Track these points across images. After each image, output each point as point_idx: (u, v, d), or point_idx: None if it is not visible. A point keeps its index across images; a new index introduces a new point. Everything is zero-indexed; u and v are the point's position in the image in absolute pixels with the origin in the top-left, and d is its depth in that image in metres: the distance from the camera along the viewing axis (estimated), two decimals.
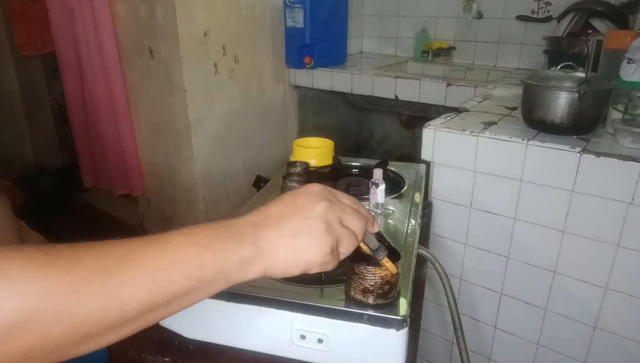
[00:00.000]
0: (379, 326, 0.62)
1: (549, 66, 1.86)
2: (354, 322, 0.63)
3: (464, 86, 1.75)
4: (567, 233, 1.04)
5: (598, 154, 0.95)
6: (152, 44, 1.84)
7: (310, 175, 1.08)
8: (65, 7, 2.00)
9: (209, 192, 1.95)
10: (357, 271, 0.63)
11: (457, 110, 1.31)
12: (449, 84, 1.78)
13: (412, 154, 2.44)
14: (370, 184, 0.95)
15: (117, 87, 1.99)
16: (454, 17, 2.27)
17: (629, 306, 1.01)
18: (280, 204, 0.46)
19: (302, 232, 0.44)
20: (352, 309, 0.64)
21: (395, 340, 0.62)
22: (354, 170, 1.23)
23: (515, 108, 1.30)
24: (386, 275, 0.62)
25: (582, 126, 1.04)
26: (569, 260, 1.06)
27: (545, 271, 1.10)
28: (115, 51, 1.94)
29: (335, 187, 1.10)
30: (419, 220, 0.94)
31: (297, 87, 2.27)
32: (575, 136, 1.04)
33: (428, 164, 1.21)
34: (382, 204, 0.95)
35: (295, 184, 0.97)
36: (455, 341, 1.18)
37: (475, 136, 1.09)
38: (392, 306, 0.64)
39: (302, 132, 2.33)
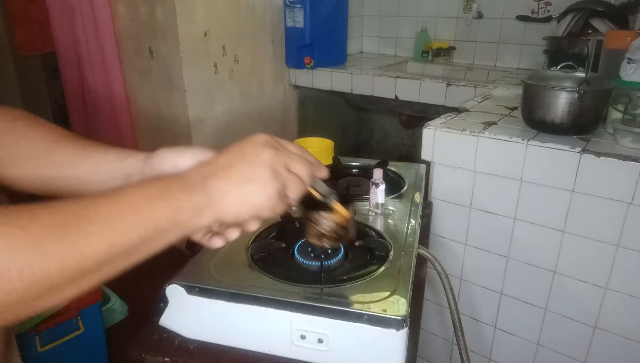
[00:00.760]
0: (379, 326, 0.62)
1: (549, 66, 1.86)
2: (354, 322, 0.63)
3: (464, 86, 1.75)
4: (567, 233, 1.04)
5: (598, 154, 0.95)
6: (152, 44, 1.84)
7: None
8: (65, 7, 2.00)
9: None
10: (311, 218, 0.66)
11: (457, 110, 1.31)
12: (449, 84, 1.78)
13: (412, 154, 2.44)
14: (370, 184, 0.95)
15: (117, 87, 1.99)
16: (454, 17, 2.27)
17: (629, 306, 1.01)
18: (227, 154, 0.48)
19: (248, 178, 0.46)
20: (352, 309, 0.64)
21: (395, 340, 0.62)
22: (354, 170, 1.23)
23: (515, 108, 1.30)
24: (339, 219, 0.64)
25: (582, 126, 1.04)
26: (569, 260, 1.06)
27: (545, 271, 1.10)
28: (115, 51, 1.94)
29: (335, 187, 1.10)
30: (419, 220, 0.94)
31: (297, 87, 2.27)
32: (575, 136, 1.04)
33: (428, 164, 1.21)
34: (382, 204, 0.95)
35: None
36: (455, 341, 1.18)
37: (475, 136, 1.09)
38: (392, 306, 0.64)
39: (302, 133, 2.33)
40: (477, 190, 1.14)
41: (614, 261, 1.00)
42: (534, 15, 2.04)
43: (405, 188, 1.08)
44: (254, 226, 0.51)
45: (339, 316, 0.64)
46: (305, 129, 2.35)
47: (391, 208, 0.97)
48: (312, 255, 0.78)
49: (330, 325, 0.64)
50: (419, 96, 1.86)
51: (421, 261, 1.09)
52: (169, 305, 0.70)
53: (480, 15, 2.19)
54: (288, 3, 2.02)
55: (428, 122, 1.18)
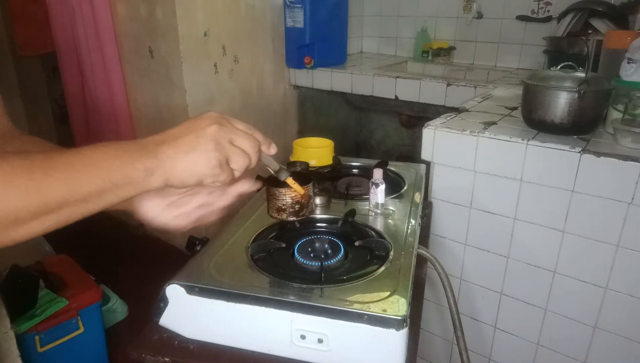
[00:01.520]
0: (379, 326, 0.62)
1: (549, 66, 1.86)
2: (354, 322, 0.63)
3: (464, 86, 1.75)
4: (567, 233, 1.04)
5: (598, 154, 0.95)
6: (152, 44, 1.84)
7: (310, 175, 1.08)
8: (66, 7, 2.00)
9: None
10: (271, 193, 0.72)
11: (457, 110, 1.31)
12: (449, 84, 1.78)
13: (412, 154, 2.44)
14: (370, 184, 0.95)
15: (117, 87, 1.99)
16: (454, 17, 2.27)
17: (629, 306, 1.01)
18: (181, 126, 0.54)
19: (194, 148, 0.52)
20: (352, 309, 0.64)
21: (395, 340, 0.62)
22: (354, 170, 1.23)
23: (515, 108, 1.30)
24: (295, 195, 0.70)
25: (582, 126, 1.04)
26: (569, 260, 1.06)
27: (545, 271, 1.10)
28: (115, 51, 1.94)
29: (335, 187, 1.10)
30: (419, 220, 0.94)
31: (297, 87, 2.27)
32: (575, 136, 1.04)
33: (428, 164, 1.21)
34: (382, 204, 0.95)
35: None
36: (455, 341, 1.18)
37: (475, 136, 1.09)
38: (392, 306, 0.64)
39: (302, 132, 2.33)
40: (477, 190, 1.14)
41: (614, 261, 1.00)
42: (534, 15, 2.04)
43: (405, 188, 1.08)
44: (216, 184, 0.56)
45: (339, 316, 0.64)
46: (305, 129, 2.35)
47: (391, 208, 0.97)
48: (312, 255, 0.78)
49: (330, 325, 0.64)
50: (419, 96, 1.86)
51: (421, 261, 1.09)
52: (169, 305, 0.70)
53: (480, 15, 2.19)
54: (288, 3, 2.02)
55: (428, 122, 1.18)
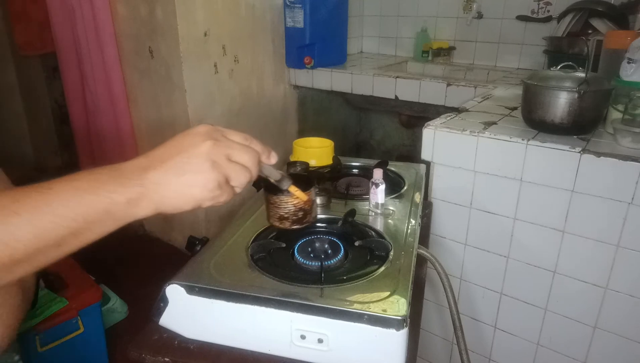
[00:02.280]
0: (379, 326, 0.62)
1: (549, 66, 1.86)
2: (354, 322, 0.63)
3: (464, 86, 1.75)
4: (567, 233, 1.04)
5: (598, 154, 0.95)
6: (152, 44, 1.84)
7: (310, 175, 1.08)
8: (66, 7, 2.00)
9: None
10: (272, 201, 0.68)
11: (457, 110, 1.31)
12: (449, 84, 1.77)
13: (412, 154, 2.44)
14: (370, 184, 0.95)
15: (117, 87, 1.99)
16: (454, 17, 2.27)
17: (629, 306, 1.01)
18: (167, 146, 0.48)
19: (186, 170, 0.46)
20: (352, 309, 0.64)
21: (395, 340, 0.62)
22: (354, 170, 1.23)
23: (515, 108, 1.30)
24: (298, 202, 0.67)
25: (582, 126, 1.04)
26: (569, 260, 1.06)
27: (545, 271, 1.10)
28: (115, 51, 1.94)
29: (335, 187, 1.10)
30: (419, 220, 0.94)
31: (297, 87, 2.27)
32: (575, 136, 1.04)
33: (428, 164, 1.21)
34: (382, 204, 0.95)
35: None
36: (455, 341, 1.18)
37: (475, 136, 1.09)
38: (392, 306, 0.64)
39: (302, 133, 2.33)
40: (477, 190, 1.14)
41: (614, 261, 1.00)
42: (534, 15, 2.04)
43: (405, 188, 1.08)
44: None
45: (339, 316, 0.64)
46: (305, 129, 2.35)
47: (391, 208, 0.97)
48: (312, 255, 0.78)
49: (330, 325, 0.64)
50: (419, 96, 1.86)
51: (421, 261, 1.09)
52: (169, 305, 0.70)
53: (480, 15, 2.19)
54: (288, 3, 2.02)
55: (428, 122, 1.18)
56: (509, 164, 1.06)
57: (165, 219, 2.15)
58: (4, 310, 0.51)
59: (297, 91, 2.29)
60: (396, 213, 0.95)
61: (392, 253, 0.78)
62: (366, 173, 1.17)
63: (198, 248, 0.81)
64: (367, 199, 0.97)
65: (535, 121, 1.08)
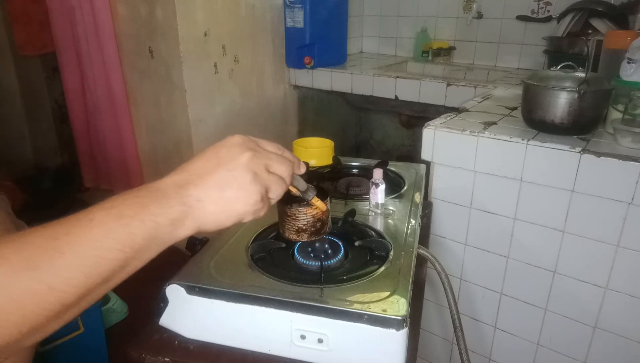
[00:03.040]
0: (379, 326, 0.62)
1: (549, 66, 1.86)
2: (354, 322, 0.63)
3: (464, 86, 1.75)
4: (567, 233, 1.04)
5: (598, 154, 0.95)
6: (152, 44, 1.84)
7: (311, 175, 1.08)
8: (65, 7, 2.00)
9: None
10: (289, 213, 0.64)
11: (457, 110, 1.31)
12: (449, 84, 1.77)
13: (412, 154, 2.44)
14: (370, 184, 0.95)
15: (117, 87, 1.99)
16: (454, 17, 2.27)
17: (629, 306, 1.01)
18: (203, 159, 0.45)
19: (228, 184, 0.44)
20: (352, 309, 0.64)
21: (395, 340, 0.62)
22: (354, 170, 1.23)
23: (515, 108, 1.30)
24: (317, 213, 0.64)
25: (582, 126, 1.04)
26: (569, 260, 1.06)
27: (545, 271, 1.10)
28: (115, 51, 1.94)
29: (335, 187, 1.10)
30: (419, 220, 0.94)
31: (297, 87, 2.27)
32: (575, 136, 1.04)
33: (428, 164, 1.21)
34: (382, 204, 0.95)
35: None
36: (455, 341, 1.18)
37: (475, 136, 1.09)
38: (392, 306, 0.64)
39: (302, 133, 2.33)
40: (477, 190, 1.14)
41: (614, 261, 1.00)
42: (534, 15, 2.04)
43: (405, 188, 1.08)
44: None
45: (339, 316, 0.64)
46: (305, 129, 2.35)
47: (391, 208, 0.97)
48: (312, 255, 0.78)
49: (330, 325, 0.64)
50: (419, 96, 1.86)
51: (421, 261, 1.09)
52: (169, 305, 0.70)
53: (480, 15, 2.19)
54: (288, 3, 2.02)
55: (428, 122, 1.18)
56: (509, 164, 1.06)
57: None
58: (18, 358, 0.49)
59: (297, 91, 2.29)
60: (396, 213, 0.95)
61: (392, 253, 0.78)
62: (366, 173, 1.17)
63: (198, 248, 0.81)
64: (367, 199, 0.97)
65: (535, 121, 1.08)
